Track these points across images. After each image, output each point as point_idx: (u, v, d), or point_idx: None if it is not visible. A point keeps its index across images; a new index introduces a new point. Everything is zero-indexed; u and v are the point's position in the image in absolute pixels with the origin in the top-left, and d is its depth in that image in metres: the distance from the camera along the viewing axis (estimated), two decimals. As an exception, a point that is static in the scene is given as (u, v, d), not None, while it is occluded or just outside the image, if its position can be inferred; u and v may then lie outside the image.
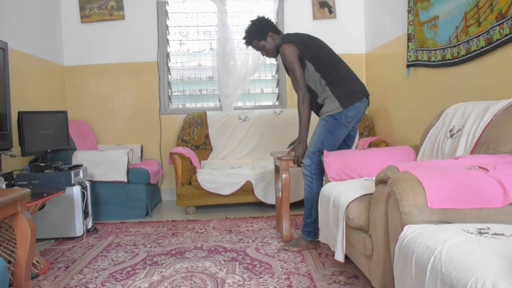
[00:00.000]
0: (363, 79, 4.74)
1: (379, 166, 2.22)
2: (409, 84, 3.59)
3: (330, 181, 2.41)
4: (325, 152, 2.54)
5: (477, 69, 2.63)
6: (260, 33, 2.81)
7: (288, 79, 4.68)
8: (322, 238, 2.37)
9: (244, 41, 2.91)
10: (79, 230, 3.07)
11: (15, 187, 2.71)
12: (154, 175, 3.99)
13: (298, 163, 2.75)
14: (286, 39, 2.73)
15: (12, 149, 2.61)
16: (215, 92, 4.65)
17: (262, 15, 2.91)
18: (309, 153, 2.69)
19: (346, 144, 2.88)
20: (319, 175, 2.67)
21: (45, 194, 2.52)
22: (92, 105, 4.48)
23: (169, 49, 4.60)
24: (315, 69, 2.69)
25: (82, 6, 4.38)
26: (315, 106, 2.83)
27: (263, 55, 2.93)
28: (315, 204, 2.59)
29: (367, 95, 2.78)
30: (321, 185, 2.62)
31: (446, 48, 2.92)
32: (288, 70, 2.78)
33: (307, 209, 2.69)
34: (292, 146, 2.89)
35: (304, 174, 2.70)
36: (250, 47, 2.95)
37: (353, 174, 2.41)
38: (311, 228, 2.66)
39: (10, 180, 2.85)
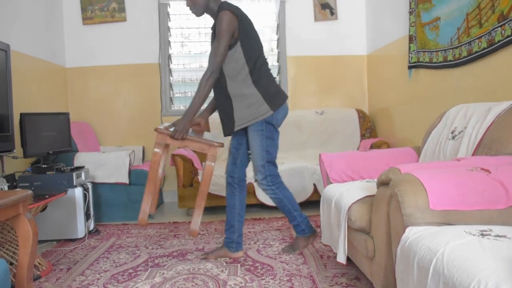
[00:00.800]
0: (364, 80, 4.76)
1: (380, 168, 2.22)
2: (411, 86, 3.59)
3: (332, 183, 2.41)
4: (325, 154, 2.54)
5: (479, 71, 2.62)
6: None
7: (288, 80, 4.70)
8: (324, 239, 2.37)
9: None
10: (81, 231, 3.07)
11: (17, 189, 2.72)
12: (156, 176, 3.99)
13: (175, 137, 2.37)
14: (230, 8, 2.38)
15: (14, 150, 2.61)
16: (216, 94, 4.65)
17: None
18: (259, 168, 2.49)
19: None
20: (279, 183, 2.54)
21: (47, 196, 2.53)
22: (94, 107, 4.49)
23: (170, 51, 4.61)
24: (244, 55, 2.39)
25: (84, 8, 4.39)
26: (222, 111, 2.54)
27: (187, 5, 2.50)
28: (291, 206, 2.56)
29: (287, 97, 2.59)
30: (287, 189, 2.57)
31: (447, 49, 2.92)
32: (215, 38, 2.40)
33: (287, 215, 2.61)
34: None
35: (264, 190, 2.57)
36: None
37: (355, 176, 2.40)
38: (302, 227, 2.61)
39: (12, 181, 2.86)
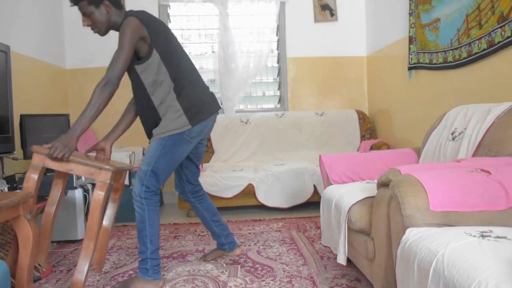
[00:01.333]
0: (364, 81, 4.76)
1: (381, 169, 2.23)
2: (411, 87, 3.59)
3: (332, 184, 2.41)
4: (325, 155, 2.53)
5: (478, 72, 2.63)
6: None
7: (288, 81, 4.70)
8: (324, 241, 2.37)
9: None
10: (81, 233, 3.07)
11: (17, 190, 2.72)
12: (156, 178, 3.99)
13: (53, 156, 1.94)
14: (133, 14, 2.12)
15: (15, 152, 2.61)
16: (216, 95, 4.62)
17: None
18: (140, 173, 2.15)
19: (192, 162, 2.46)
20: (152, 200, 2.16)
21: (47, 197, 2.52)
22: (94, 108, 4.48)
23: (170, 52, 4.60)
24: (163, 62, 2.13)
25: (84, 10, 4.39)
26: (144, 119, 2.30)
27: (85, 24, 2.23)
28: (149, 235, 2.14)
29: (218, 109, 2.35)
30: (157, 213, 2.18)
31: (447, 50, 2.92)
32: (118, 46, 2.10)
33: (140, 243, 2.16)
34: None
35: (133, 199, 2.18)
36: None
37: (355, 177, 2.40)
38: (147, 266, 2.13)
39: (12, 183, 2.85)
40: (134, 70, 2.16)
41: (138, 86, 2.20)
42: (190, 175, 2.50)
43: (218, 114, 2.37)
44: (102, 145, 2.29)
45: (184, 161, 2.43)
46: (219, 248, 2.60)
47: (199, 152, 2.45)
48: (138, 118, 2.39)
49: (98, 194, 1.97)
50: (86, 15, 2.18)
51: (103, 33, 2.24)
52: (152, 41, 2.11)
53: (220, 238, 2.58)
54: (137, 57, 2.14)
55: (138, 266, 2.18)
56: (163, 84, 2.15)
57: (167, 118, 2.16)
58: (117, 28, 2.19)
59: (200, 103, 2.21)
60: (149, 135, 2.27)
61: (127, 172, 2.19)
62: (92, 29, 2.22)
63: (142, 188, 2.14)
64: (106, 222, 2.28)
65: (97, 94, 2.00)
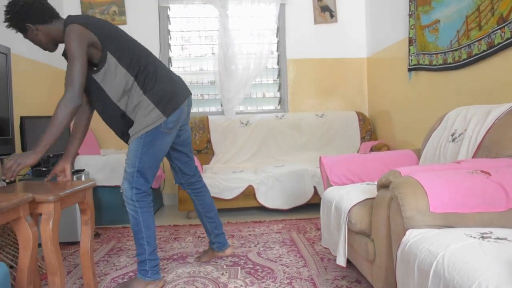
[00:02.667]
0: (364, 83, 4.76)
1: (381, 171, 2.23)
2: (411, 88, 3.60)
3: (332, 186, 2.41)
4: (326, 157, 2.53)
5: (478, 73, 2.63)
6: (16, 24, 2.02)
7: (288, 82, 4.70)
8: (324, 242, 2.37)
9: None
10: (81, 235, 3.06)
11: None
12: (156, 179, 4.00)
13: (7, 175, 1.88)
14: (72, 20, 2.02)
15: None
16: (217, 97, 4.66)
17: None
18: (127, 176, 2.12)
19: (180, 152, 2.41)
20: (145, 202, 2.14)
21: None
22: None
23: (171, 54, 4.61)
24: (120, 64, 2.05)
25: (84, 11, 4.40)
26: (115, 128, 2.25)
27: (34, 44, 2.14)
28: (145, 236, 2.13)
29: (189, 94, 2.29)
30: (151, 214, 2.17)
31: (447, 52, 2.93)
32: (68, 59, 2.02)
33: (137, 245, 2.16)
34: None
35: (125, 202, 2.15)
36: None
37: (355, 179, 2.40)
38: (146, 267, 2.14)
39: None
40: (94, 81, 2.07)
41: (100, 96, 2.11)
42: (182, 165, 2.45)
43: (191, 96, 2.32)
44: (61, 166, 2.17)
45: (172, 152, 2.39)
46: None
47: (184, 139, 2.38)
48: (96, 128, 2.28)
49: (45, 230, 1.77)
50: (32, 41, 2.12)
51: (50, 50, 2.18)
52: (103, 45, 2.02)
53: (210, 236, 2.56)
54: (92, 65, 2.06)
55: (138, 268, 2.18)
56: (126, 86, 2.08)
57: (140, 116, 2.09)
58: (61, 39, 2.07)
59: (169, 92, 2.13)
60: (126, 140, 2.22)
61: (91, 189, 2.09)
62: (40, 47, 2.16)
63: (132, 191, 2.11)
64: (84, 245, 2.12)
65: (61, 112, 1.94)
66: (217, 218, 2.57)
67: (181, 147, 2.39)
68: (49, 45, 2.14)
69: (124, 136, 2.23)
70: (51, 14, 2.08)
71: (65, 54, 2.11)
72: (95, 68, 2.06)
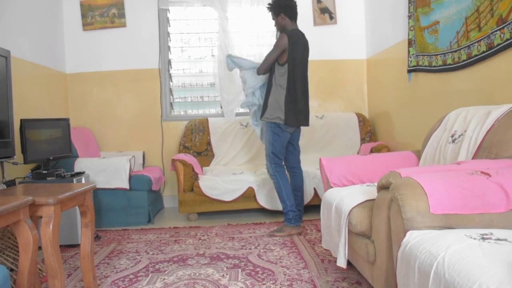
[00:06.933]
0: (364, 84, 4.77)
1: (381, 172, 2.22)
2: (410, 89, 3.60)
3: (332, 187, 2.41)
4: (326, 158, 2.53)
5: (478, 74, 2.63)
6: (276, 8, 3.27)
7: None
8: (324, 244, 2.37)
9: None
10: (81, 237, 3.06)
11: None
12: (156, 181, 3.99)
13: None
14: (289, 32, 3.17)
15: (15, 156, 2.61)
16: (216, 99, 4.66)
17: None
18: (266, 156, 3.23)
19: (291, 144, 3.35)
20: (280, 172, 3.21)
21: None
22: (94, 112, 4.50)
23: (170, 56, 4.62)
24: (285, 75, 3.12)
25: (84, 14, 4.40)
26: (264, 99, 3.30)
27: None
28: (285, 195, 3.17)
29: (306, 125, 3.28)
30: (286, 179, 3.24)
31: (447, 53, 2.93)
32: (272, 50, 3.19)
33: (281, 202, 3.23)
34: None
35: (269, 175, 3.28)
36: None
37: (355, 180, 2.40)
38: (290, 216, 3.16)
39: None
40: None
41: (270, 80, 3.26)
42: (287, 154, 3.38)
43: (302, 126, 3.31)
44: None
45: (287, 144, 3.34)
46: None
47: (295, 135, 3.35)
48: None
49: (45, 232, 1.80)
50: (273, 19, 3.35)
51: (280, 32, 3.33)
52: (289, 56, 3.12)
53: (293, 213, 3.18)
54: (278, 63, 3.19)
55: (284, 218, 3.22)
56: (277, 87, 3.19)
57: (272, 108, 3.20)
58: (282, 31, 3.27)
59: (295, 115, 3.15)
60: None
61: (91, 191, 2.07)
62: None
63: (272, 167, 3.22)
64: (84, 248, 2.15)
65: (261, 69, 3.27)
66: (298, 199, 3.37)
67: (293, 141, 3.37)
68: (280, 30, 3.34)
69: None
70: (292, 15, 3.29)
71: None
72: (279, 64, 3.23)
